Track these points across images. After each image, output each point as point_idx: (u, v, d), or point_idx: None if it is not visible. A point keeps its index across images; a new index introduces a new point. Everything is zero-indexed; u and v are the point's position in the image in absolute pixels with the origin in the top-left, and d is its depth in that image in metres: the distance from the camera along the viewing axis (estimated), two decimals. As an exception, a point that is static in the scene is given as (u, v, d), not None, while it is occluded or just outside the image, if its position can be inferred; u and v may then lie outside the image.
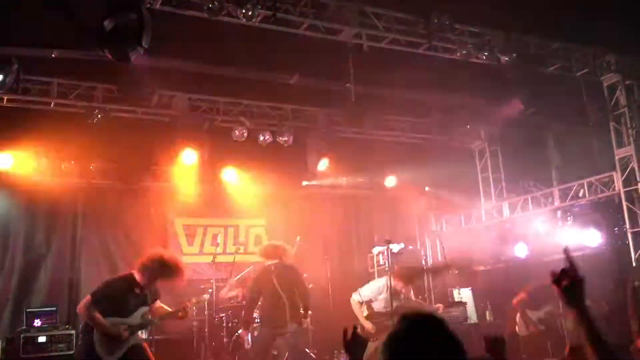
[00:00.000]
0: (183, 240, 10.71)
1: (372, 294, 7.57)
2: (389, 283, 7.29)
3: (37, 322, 7.52)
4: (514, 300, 9.13)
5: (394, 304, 7.21)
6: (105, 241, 10.04)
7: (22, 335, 7.23)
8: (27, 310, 7.79)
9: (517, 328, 9.14)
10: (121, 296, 5.86)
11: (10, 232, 9.37)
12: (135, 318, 5.92)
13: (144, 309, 5.99)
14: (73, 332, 7.62)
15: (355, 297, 7.59)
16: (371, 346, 6.99)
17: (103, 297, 5.80)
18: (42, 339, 7.26)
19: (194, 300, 6.74)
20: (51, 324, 7.55)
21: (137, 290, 5.99)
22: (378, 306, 7.49)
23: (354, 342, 2.88)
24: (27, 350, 7.15)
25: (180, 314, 6.28)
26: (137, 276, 6.01)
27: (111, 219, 10.16)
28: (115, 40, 5.74)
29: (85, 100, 8.54)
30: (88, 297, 5.83)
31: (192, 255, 10.63)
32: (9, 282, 9.16)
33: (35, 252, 9.46)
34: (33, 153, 9.08)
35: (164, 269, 6.05)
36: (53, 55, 6.78)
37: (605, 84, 9.49)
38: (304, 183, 11.21)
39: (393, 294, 7.25)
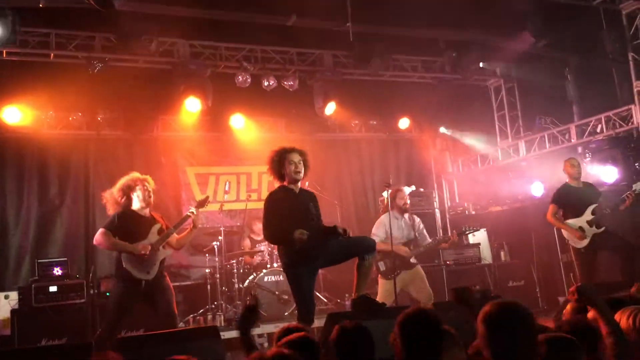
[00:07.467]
0: (196, 189, 10.71)
1: (384, 229, 7.60)
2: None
3: (49, 273, 7.67)
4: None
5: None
6: (118, 192, 10.06)
7: (33, 285, 7.41)
8: (38, 261, 7.95)
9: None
10: (131, 222, 6.03)
11: (24, 185, 9.43)
12: (152, 235, 6.08)
13: (157, 226, 6.15)
14: (83, 281, 7.77)
15: (377, 239, 7.33)
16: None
17: (115, 226, 5.97)
18: (53, 288, 7.43)
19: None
20: (62, 274, 7.71)
21: (143, 214, 6.16)
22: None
23: None
24: (39, 300, 7.33)
25: (191, 218, 6.30)
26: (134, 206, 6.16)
27: (123, 169, 10.09)
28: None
29: (85, 51, 8.44)
30: (101, 229, 6.02)
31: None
32: (27, 235, 9.33)
33: (50, 205, 9.57)
34: (39, 106, 9.09)
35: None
36: (40, 5, 6.66)
37: (624, 12, 9.00)
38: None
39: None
